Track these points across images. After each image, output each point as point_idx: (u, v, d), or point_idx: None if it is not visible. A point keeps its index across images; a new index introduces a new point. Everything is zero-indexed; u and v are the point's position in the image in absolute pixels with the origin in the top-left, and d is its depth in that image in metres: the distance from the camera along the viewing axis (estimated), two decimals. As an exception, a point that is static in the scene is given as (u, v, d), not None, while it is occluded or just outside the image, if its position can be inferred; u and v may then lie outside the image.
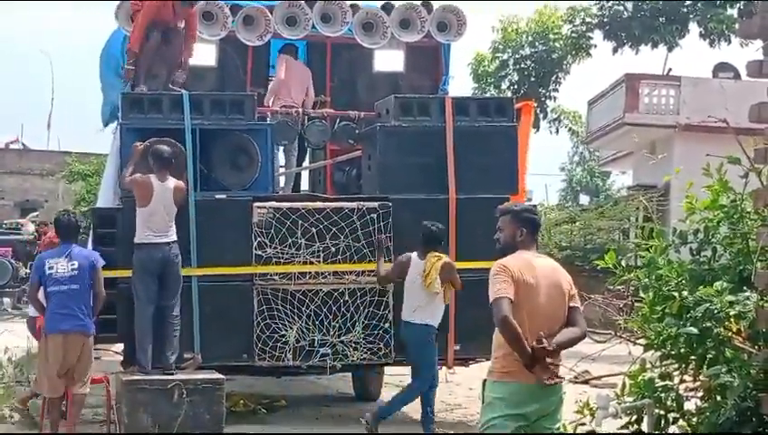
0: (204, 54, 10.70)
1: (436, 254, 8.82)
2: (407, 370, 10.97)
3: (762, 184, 5.14)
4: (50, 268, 8.30)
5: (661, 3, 27.34)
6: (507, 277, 5.12)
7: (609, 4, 28.07)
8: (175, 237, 8.84)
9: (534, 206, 6.22)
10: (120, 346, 9.88)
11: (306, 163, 11.87)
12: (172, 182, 8.85)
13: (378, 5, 10.96)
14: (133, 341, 8.84)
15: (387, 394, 11.61)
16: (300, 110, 10.88)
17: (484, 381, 5.45)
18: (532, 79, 28.94)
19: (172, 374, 8.63)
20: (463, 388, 11.65)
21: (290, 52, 11.40)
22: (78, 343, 8.24)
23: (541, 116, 28.62)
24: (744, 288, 5.26)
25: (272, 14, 10.58)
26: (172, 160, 8.88)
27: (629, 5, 27.89)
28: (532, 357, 4.99)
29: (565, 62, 28.95)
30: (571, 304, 5.25)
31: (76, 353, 8.24)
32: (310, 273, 9.25)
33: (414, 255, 8.93)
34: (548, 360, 5.03)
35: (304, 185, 12.06)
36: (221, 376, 8.77)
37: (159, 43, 9.96)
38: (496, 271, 5.17)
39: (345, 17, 10.72)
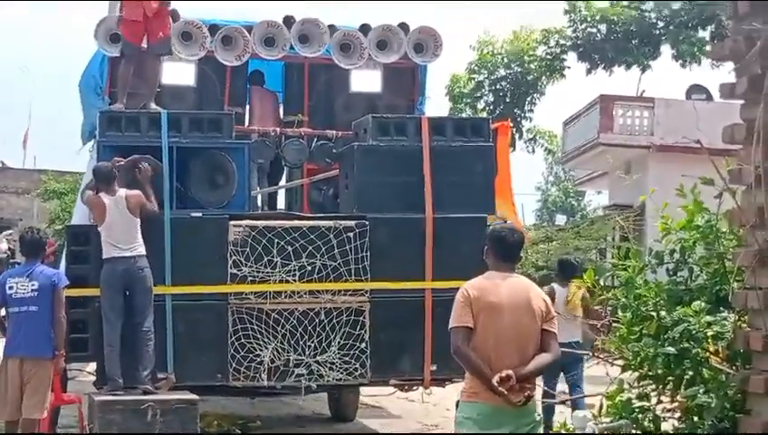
0: (182, 74, 10.71)
1: (577, 283, 9.43)
2: (383, 390, 10.97)
3: (736, 204, 5.17)
4: (10, 288, 8.13)
5: (634, 25, 27.61)
6: (466, 303, 5.16)
7: (583, 26, 28.30)
8: (141, 251, 8.75)
9: (509, 225, 6.22)
10: (94, 366, 9.79)
11: (283, 182, 11.86)
12: (123, 192, 8.78)
13: (355, 27, 10.98)
14: (104, 360, 8.76)
15: (362, 415, 11.61)
16: (277, 129, 10.90)
17: (458, 401, 5.46)
18: (508, 100, 29.10)
19: (149, 393, 8.54)
20: (440, 408, 11.62)
21: (257, 81, 11.57)
22: (34, 369, 8.07)
23: (516, 136, 28.75)
24: (722, 309, 5.28)
25: (250, 34, 10.59)
26: (113, 175, 8.84)
27: (603, 28, 28.14)
28: (494, 384, 5.00)
29: (540, 84, 29.14)
30: (545, 327, 5.24)
31: (30, 377, 8.06)
32: (285, 292, 9.20)
33: (555, 285, 10.32)
34: (515, 384, 5.03)
35: (281, 204, 12.04)
36: (195, 396, 8.68)
37: (137, 62, 9.95)
38: (457, 297, 5.22)
39: (323, 38, 10.74)
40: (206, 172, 9.40)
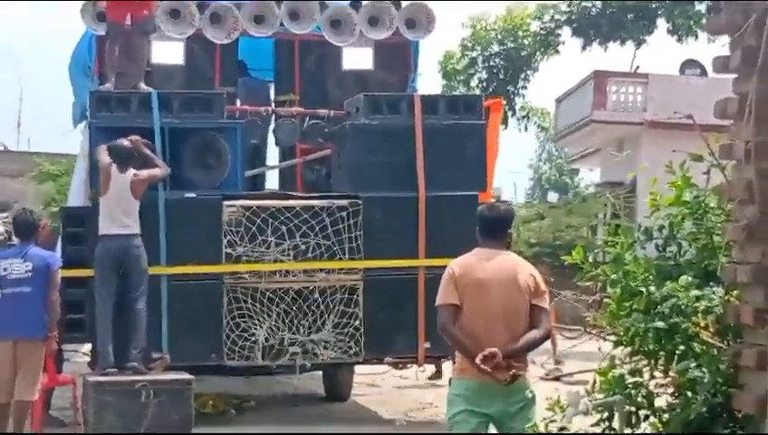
0: (171, 53, 10.66)
1: None
2: (378, 368, 11.00)
3: (726, 180, 5.17)
4: (4, 269, 8.09)
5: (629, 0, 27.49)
6: (450, 281, 5.19)
7: (578, 1, 28.18)
8: (136, 231, 8.77)
9: (502, 202, 6.22)
10: (88, 347, 9.81)
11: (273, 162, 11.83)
12: (131, 173, 8.79)
13: (346, 3, 10.92)
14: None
15: (356, 393, 11.65)
16: (269, 108, 10.87)
17: (450, 379, 5.48)
18: (501, 76, 29.01)
19: (140, 372, 8.56)
20: (434, 386, 11.67)
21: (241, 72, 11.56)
22: (27, 350, 8.05)
23: (509, 113, 28.69)
24: (711, 283, 5.29)
25: (240, 11, 10.53)
26: (129, 155, 8.85)
27: (598, 3, 28.02)
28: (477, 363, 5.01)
29: (534, 60, 29.04)
30: (534, 302, 5.24)
31: (24, 359, 8.04)
32: (280, 271, 9.22)
33: None
34: (501, 362, 5.03)
35: (275, 184, 11.98)
36: (189, 376, 8.71)
37: (125, 41, 9.90)
38: (444, 275, 5.24)
39: (313, 15, 10.68)
40: (199, 153, 9.39)
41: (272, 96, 11.69)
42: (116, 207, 8.75)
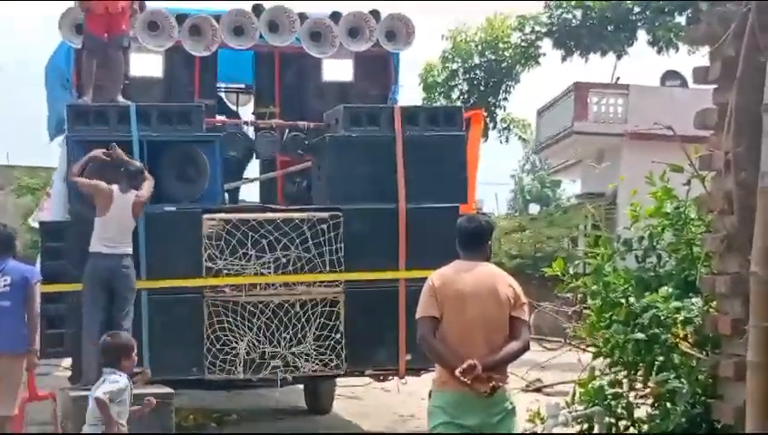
0: (150, 65, 10.61)
1: None
2: (360, 381, 10.95)
3: (705, 190, 5.19)
4: None
5: (609, 11, 27.58)
6: (430, 293, 5.22)
7: (558, 12, 28.25)
8: (129, 250, 8.73)
9: (482, 215, 6.21)
10: (68, 362, 9.74)
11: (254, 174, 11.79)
12: (132, 194, 8.76)
13: (326, 14, 10.91)
14: (81, 355, 8.70)
15: (338, 406, 11.61)
16: (248, 120, 10.85)
17: (430, 391, 5.47)
18: (482, 88, 29.04)
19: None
20: (415, 398, 11.61)
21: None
22: (8, 365, 8.00)
23: (490, 125, 28.70)
24: (690, 294, 5.30)
25: (219, 23, 10.51)
26: (139, 176, 8.82)
27: (578, 14, 28.10)
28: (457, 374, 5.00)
29: (515, 71, 29.08)
30: (514, 314, 5.24)
31: (4, 373, 7.99)
32: (260, 284, 9.18)
33: None
34: (481, 373, 5.03)
35: (255, 197, 11.93)
36: (171, 390, 8.63)
37: (103, 54, 9.85)
38: (424, 287, 5.26)
39: (293, 27, 10.66)
40: (178, 166, 9.34)
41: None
42: (113, 228, 8.68)
